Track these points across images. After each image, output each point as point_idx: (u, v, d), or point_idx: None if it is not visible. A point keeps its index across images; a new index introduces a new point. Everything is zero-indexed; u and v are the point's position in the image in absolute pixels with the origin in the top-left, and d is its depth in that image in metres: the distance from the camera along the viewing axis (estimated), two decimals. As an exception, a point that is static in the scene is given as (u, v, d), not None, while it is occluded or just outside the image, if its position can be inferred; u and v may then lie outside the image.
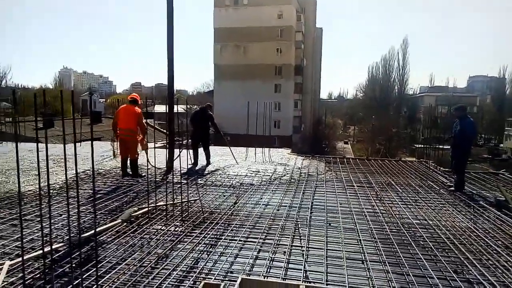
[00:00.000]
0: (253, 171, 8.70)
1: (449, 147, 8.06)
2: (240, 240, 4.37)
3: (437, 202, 6.35)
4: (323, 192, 6.86)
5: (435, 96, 66.49)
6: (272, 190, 6.92)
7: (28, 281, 3.22)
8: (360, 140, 65.29)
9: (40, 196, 3.31)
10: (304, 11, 55.94)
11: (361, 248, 4.21)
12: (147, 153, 6.76)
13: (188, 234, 4.55)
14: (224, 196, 6.44)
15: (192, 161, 9.33)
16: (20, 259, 3.25)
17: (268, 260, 3.84)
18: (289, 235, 4.57)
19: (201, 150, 9.62)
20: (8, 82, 63.74)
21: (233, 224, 4.94)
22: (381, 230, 4.84)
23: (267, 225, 4.92)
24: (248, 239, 4.43)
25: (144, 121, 7.85)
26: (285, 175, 8.38)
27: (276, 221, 5.13)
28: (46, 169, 2.90)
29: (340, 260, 3.88)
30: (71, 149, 11.46)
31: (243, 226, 4.88)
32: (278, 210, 5.67)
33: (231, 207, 5.72)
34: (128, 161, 7.91)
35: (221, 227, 4.81)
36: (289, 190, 6.95)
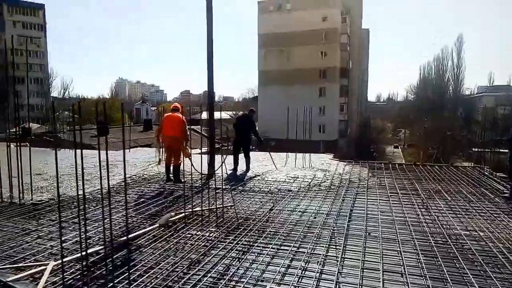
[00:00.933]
0: (292, 177, 8.59)
1: (507, 150, 7.40)
2: (273, 248, 4.31)
3: (491, 212, 5.83)
4: (364, 200, 6.58)
5: (495, 96, 61.58)
6: (310, 197, 6.77)
7: (69, 281, 3.41)
8: (411, 144, 62.15)
9: (84, 200, 3.51)
10: (349, 12, 54.72)
11: (401, 260, 3.96)
12: (190, 160, 6.95)
13: (222, 240, 4.57)
14: (261, 202, 6.42)
15: (233, 167, 9.43)
16: (64, 259, 3.46)
17: (300, 269, 3.74)
18: (324, 244, 4.43)
19: (241, 156, 9.70)
20: (70, 93, 69.15)
21: (267, 231, 4.89)
22: (424, 241, 4.53)
23: (302, 233, 4.81)
24: (282, 247, 4.36)
25: (187, 128, 8.13)
26: (324, 181, 8.18)
27: (312, 229, 5.00)
28: (98, 175, 3.06)
29: (377, 272, 3.68)
30: (121, 156, 12.11)
31: (277, 233, 4.81)
32: (314, 217, 5.53)
33: (267, 214, 5.68)
34: (172, 167, 8.19)
35: (255, 234, 4.78)
36: (327, 197, 6.76)
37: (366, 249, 4.29)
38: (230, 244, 4.41)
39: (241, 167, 9.55)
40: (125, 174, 3.10)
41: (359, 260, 3.97)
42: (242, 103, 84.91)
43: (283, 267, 3.81)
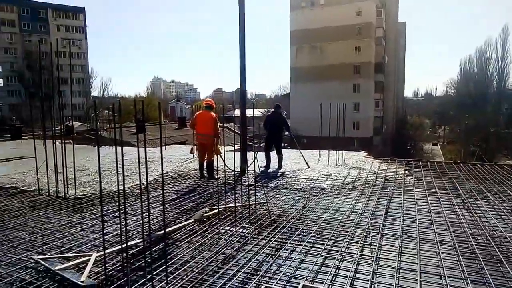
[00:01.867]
0: (325, 175, 8.50)
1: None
2: (306, 246, 4.30)
3: (540, 214, 5.48)
4: (400, 199, 6.40)
5: (545, 89, 57.44)
6: (344, 195, 6.67)
7: (111, 272, 3.59)
8: (451, 141, 59.45)
9: (124, 195, 3.68)
10: (385, 5, 53.00)
11: (439, 262, 3.83)
12: (221, 157, 7.05)
13: (255, 236, 4.62)
14: (293, 199, 6.41)
15: (265, 164, 9.46)
16: (106, 251, 3.65)
17: (334, 268, 3.71)
18: (359, 243, 4.36)
19: (274, 153, 9.71)
20: (109, 92, 72.15)
21: (300, 228, 4.89)
22: (465, 243, 4.34)
23: (335, 232, 4.76)
24: (315, 245, 4.34)
25: (219, 125, 8.26)
26: (359, 179, 8.03)
27: (346, 227, 4.94)
28: (136, 171, 3.20)
29: (413, 274, 3.58)
30: (158, 153, 12.51)
31: (311, 231, 4.79)
32: (348, 216, 5.45)
33: (300, 211, 5.67)
34: (205, 164, 8.36)
35: (287, 231, 4.79)
36: (362, 196, 6.63)
37: (403, 249, 4.18)
38: (263, 241, 4.45)
39: (274, 164, 9.57)
40: (162, 170, 3.21)
41: (395, 260, 3.88)
42: (273, 100, 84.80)
43: (317, 265, 3.79)
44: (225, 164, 6.50)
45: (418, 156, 43.57)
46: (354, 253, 4.06)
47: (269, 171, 9.15)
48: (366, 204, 6.08)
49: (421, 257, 3.96)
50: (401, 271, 3.65)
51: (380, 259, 3.95)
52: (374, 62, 50.92)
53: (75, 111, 56.90)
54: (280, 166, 9.49)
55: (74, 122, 17.80)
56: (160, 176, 8.41)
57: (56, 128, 8.05)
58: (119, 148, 3.46)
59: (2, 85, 67.36)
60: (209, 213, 5.39)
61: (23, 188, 7.43)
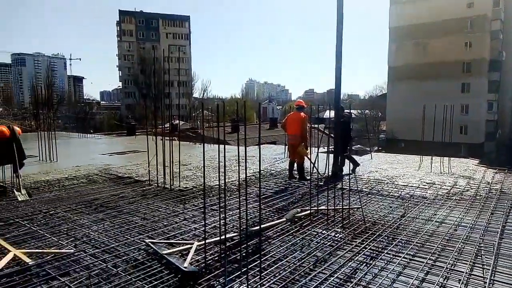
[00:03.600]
0: (427, 183, 7.80)
1: None
2: (405, 258, 4.00)
3: None
4: (521, 215, 5.53)
5: None
6: (450, 207, 6.03)
7: (209, 261, 3.84)
8: None
9: (225, 190, 3.91)
10: (505, -7, 46.38)
11: None
12: (308, 158, 7.01)
13: (348, 242, 4.48)
14: (390, 207, 6.03)
15: (352, 167, 9.04)
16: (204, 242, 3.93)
17: (437, 285, 3.39)
18: (468, 261, 3.90)
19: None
20: (208, 94, 77.60)
21: (398, 238, 4.58)
22: None
23: (439, 246, 4.33)
24: (415, 258, 4.01)
25: (308, 126, 8.21)
26: (468, 190, 7.17)
27: (452, 242, 4.46)
28: (231, 168, 3.40)
29: (540, 304, 3.06)
30: (250, 151, 12.99)
31: (410, 242, 4.45)
32: (455, 230, 4.91)
33: (398, 220, 5.31)
34: (295, 165, 8.40)
35: (384, 240, 4.53)
36: (472, 209, 5.91)
37: (525, 274, 3.60)
38: (357, 248, 4.28)
39: (364, 169, 9.14)
40: (260, 168, 3.33)
41: (515, 286, 3.37)
42: (367, 101, 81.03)
43: (417, 279, 3.51)
44: (313, 166, 6.40)
45: (544, 167, 37.04)
46: (462, 272, 3.64)
47: (362, 175, 8.76)
48: (476, 218, 5.41)
49: (550, 286, 3.37)
50: (522, 299, 3.16)
51: (495, 281, 3.47)
52: (488, 59, 44.97)
53: (179, 111, 62.52)
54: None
55: (178, 121, 19.54)
56: (253, 174, 8.71)
57: (165, 126, 8.96)
58: (219, 146, 3.69)
59: (121, 87, 77.88)
60: (301, 214, 5.40)
61: (136, 178, 8.44)
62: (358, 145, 26.08)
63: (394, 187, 7.51)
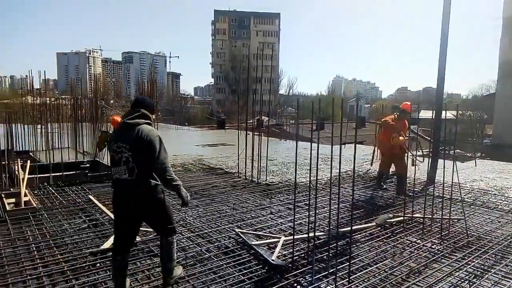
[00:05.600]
0: (548, 198, 6.71)
1: None
2: (518, 280, 3.52)
3: None
4: None
5: None
6: None
7: (295, 257, 3.87)
8: None
9: (316, 187, 3.90)
10: None
11: None
12: (406, 147, 6.49)
13: (447, 255, 4.09)
14: (498, 222, 5.34)
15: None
16: (291, 237, 3.97)
17: (560, 318, 2.91)
18: None
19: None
20: (293, 91, 77.86)
21: (509, 258, 4.03)
22: None
23: None
24: (531, 282, 3.50)
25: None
26: None
27: None
28: (315, 166, 3.39)
29: None
30: (336, 150, 12.71)
31: (524, 264, 3.89)
32: None
33: (509, 237, 4.68)
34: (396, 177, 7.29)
35: (490, 258, 4.04)
36: None
37: None
38: (458, 263, 3.89)
39: (467, 177, 8.21)
40: (354, 167, 3.23)
41: None
42: (470, 101, 72.51)
43: (533, 308, 3.06)
44: (415, 165, 5.97)
45: None
46: None
47: (465, 183, 7.90)
48: None
49: None
50: None
51: None
52: None
53: (265, 107, 63.92)
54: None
55: (264, 117, 20.01)
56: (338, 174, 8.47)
57: (248, 121, 9.23)
58: (300, 143, 3.67)
59: (212, 83, 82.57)
60: (393, 220, 5.10)
61: (226, 170, 8.89)
62: (458, 150, 23.54)
63: (504, 199, 6.62)
